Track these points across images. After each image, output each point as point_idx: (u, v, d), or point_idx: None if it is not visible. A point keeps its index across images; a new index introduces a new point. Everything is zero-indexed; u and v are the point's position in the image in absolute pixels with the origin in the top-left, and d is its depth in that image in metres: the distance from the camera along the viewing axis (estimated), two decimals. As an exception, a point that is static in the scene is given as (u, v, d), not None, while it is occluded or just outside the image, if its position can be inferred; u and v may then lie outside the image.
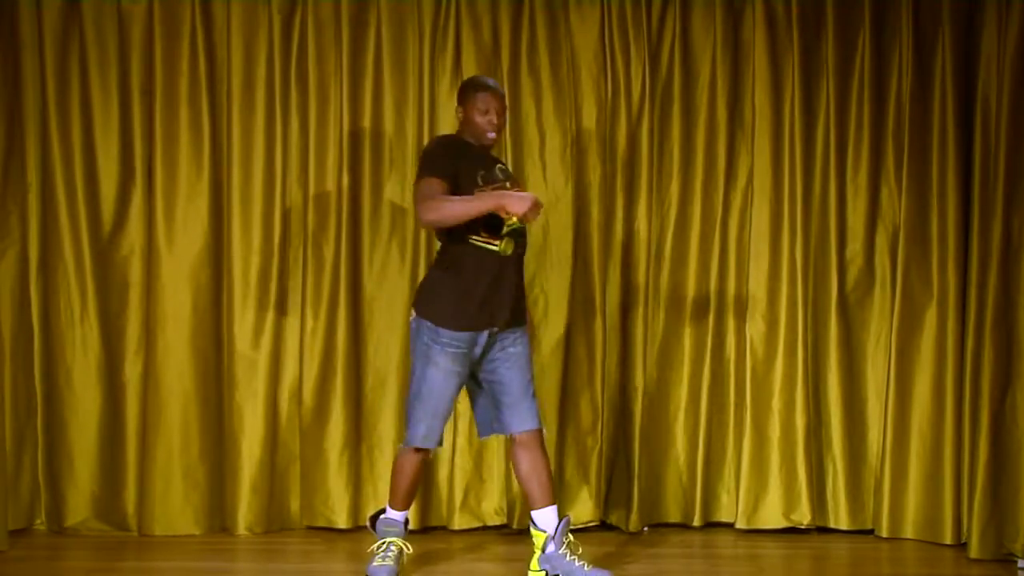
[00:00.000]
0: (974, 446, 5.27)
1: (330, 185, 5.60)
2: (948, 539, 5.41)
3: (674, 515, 5.73)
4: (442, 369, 4.66)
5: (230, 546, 5.42)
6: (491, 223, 4.60)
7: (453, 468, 5.59)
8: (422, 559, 5.17)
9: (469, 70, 5.59)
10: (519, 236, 4.69)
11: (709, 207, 5.71)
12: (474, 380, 4.84)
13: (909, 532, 5.52)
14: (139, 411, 5.52)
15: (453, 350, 4.66)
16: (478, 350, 4.71)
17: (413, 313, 4.77)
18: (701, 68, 5.70)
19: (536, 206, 4.51)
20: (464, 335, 4.66)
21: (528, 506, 4.84)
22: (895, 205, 5.63)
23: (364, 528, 5.61)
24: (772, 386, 5.63)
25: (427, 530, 5.58)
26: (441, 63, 5.63)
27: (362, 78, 5.62)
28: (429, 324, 4.68)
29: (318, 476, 5.60)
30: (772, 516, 5.62)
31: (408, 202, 5.57)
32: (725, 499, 5.73)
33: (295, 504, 5.63)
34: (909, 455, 5.53)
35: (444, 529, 5.61)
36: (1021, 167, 5.06)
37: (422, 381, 4.70)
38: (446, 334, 4.65)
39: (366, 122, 5.63)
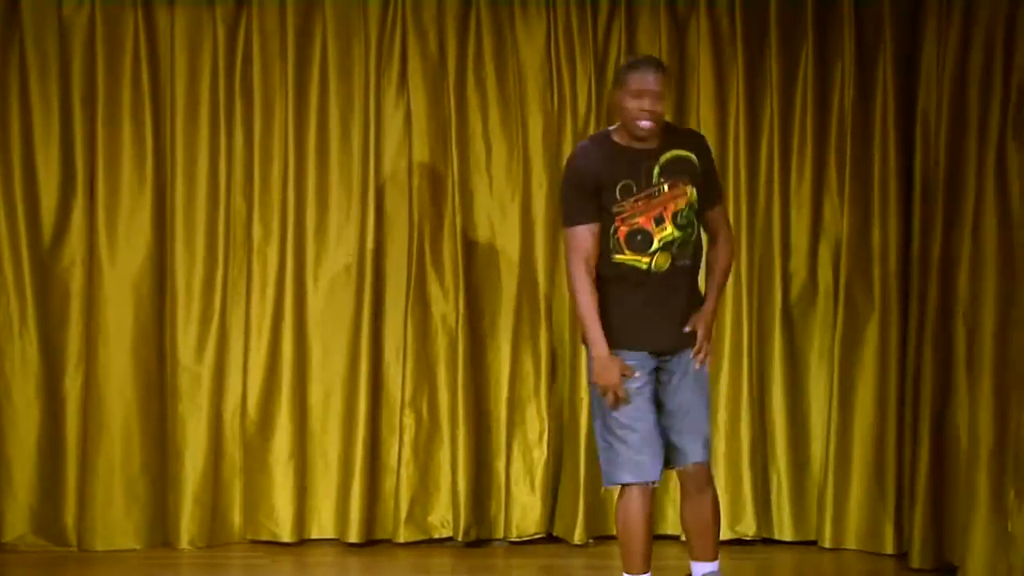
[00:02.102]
0: (915, 457, 5.31)
1: (275, 197, 5.58)
2: (890, 549, 5.45)
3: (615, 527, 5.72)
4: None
5: (172, 561, 5.38)
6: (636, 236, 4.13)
7: (399, 480, 5.56)
8: (367, 575, 5.15)
9: (415, 81, 5.59)
10: (677, 245, 4.14)
11: (655, 219, 5.72)
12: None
13: (852, 542, 5.54)
14: (79, 424, 5.46)
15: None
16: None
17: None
18: (647, 81, 5.72)
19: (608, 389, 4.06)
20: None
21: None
22: (838, 218, 5.66)
23: (307, 541, 5.59)
24: (717, 398, 5.63)
25: (372, 543, 5.55)
26: (387, 75, 5.62)
27: (307, 88, 5.60)
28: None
29: (262, 489, 5.56)
30: (717, 527, 5.64)
31: (352, 210, 5.58)
32: (671, 511, 5.70)
33: (238, 518, 5.58)
34: (852, 466, 5.55)
35: (389, 542, 5.58)
36: (960, 181, 5.11)
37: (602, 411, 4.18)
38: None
39: (311, 133, 5.61)
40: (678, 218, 4.14)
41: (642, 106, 4.06)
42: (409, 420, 5.58)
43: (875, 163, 5.56)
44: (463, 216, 5.59)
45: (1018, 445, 4.68)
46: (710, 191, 4.27)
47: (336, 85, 5.61)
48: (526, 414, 5.65)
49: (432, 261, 5.62)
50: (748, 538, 5.64)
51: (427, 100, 5.61)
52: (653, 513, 4.32)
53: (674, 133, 4.26)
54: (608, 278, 4.16)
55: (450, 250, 5.60)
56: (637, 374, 4.14)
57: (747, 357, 5.63)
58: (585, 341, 4.23)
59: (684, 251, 4.17)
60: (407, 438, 5.58)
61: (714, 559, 4.38)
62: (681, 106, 5.71)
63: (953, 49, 5.16)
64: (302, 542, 5.58)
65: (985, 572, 4.77)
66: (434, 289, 5.63)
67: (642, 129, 4.08)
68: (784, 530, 5.70)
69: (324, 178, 5.62)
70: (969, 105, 5.05)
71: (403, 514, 5.56)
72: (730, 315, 5.65)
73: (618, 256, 4.14)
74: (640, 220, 4.11)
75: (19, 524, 5.43)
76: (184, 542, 5.47)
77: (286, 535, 5.54)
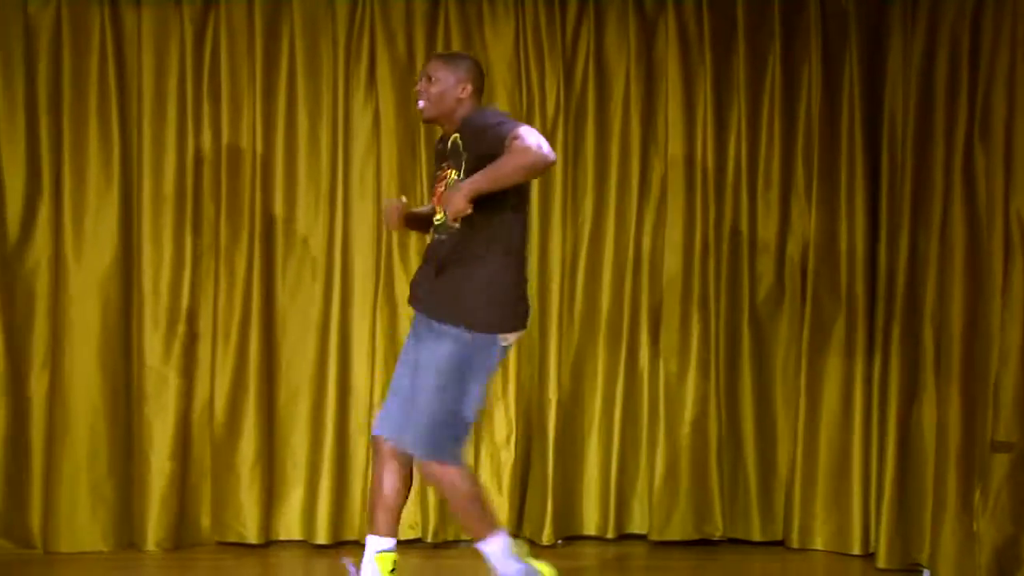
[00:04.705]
0: (882, 457, 5.35)
1: (243, 198, 5.55)
2: (856, 550, 5.48)
3: (588, 527, 5.74)
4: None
5: (139, 563, 5.34)
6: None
7: (367, 481, 5.55)
8: (334, 574, 5.13)
9: (384, 82, 5.58)
10: (439, 222, 4.36)
11: (623, 222, 5.74)
12: None
13: (818, 543, 5.57)
14: (45, 426, 5.42)
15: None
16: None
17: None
18: (615, 83, 5.74)
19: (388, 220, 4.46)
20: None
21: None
22: (805, 220, 5.69)
23: (275, 543, 5.57)
24: (685, 399, 5.67)
25: (340, 544, 5.54)
26: (355, 75, 5.61)
27: (275, 88, 5.58)
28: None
29: (229, 491, 5.53)
30: (685, 528, 5.65)
31: (320, 211, 5.59)
32: (638, 511, 5.75)
33: (205, 519, 5.56)
34: (819, 466, 5.59)
35: (357, 543, 5.57)
36: (927, 182, 5.15)
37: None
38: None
39: (279, 134, 5.59)
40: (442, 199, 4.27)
41: (416, 87, 4.39)
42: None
43: (842, 165, 5.59)
44: (432, 217, 5.59)
45: (984, 445, 4.72)
46: (492, 149, 4.10)
47: (304, 85, 5.60)
48: (494, 416, 5.64)
49: (400, 261, 5.61)
50: (715, 538, 5.66)
51: (395, 100, 5.60)
52: (383, 473, 4.37)
53: (463, 119, 4.32)
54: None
55: (418, 250, 5.59)
56: None
57: (715, 358, 5.66)
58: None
59: (442, 227, 4.31)
60: (375, 439, 5.56)
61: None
62: (649, 108, 5.73)
63: (919, 51, 5.20)
64: (269, 544, 5.56)
65: (953, 572, 4.81)
66: (402, 289, 5.61)
67: (420, 110, 4.37)
68: (751, 531, 5.72)
69: (292, 178, 5.60)
70: (936, 107, 5.09)
71: (371, 515, 5.54)
72: (698, 316, 5.67)
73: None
74: (434, 199, 4.42)
75: (-16, 526, 5.41)
76: (151, 544, 5.44)
77: (253, 537, 5.52)
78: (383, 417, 4.44)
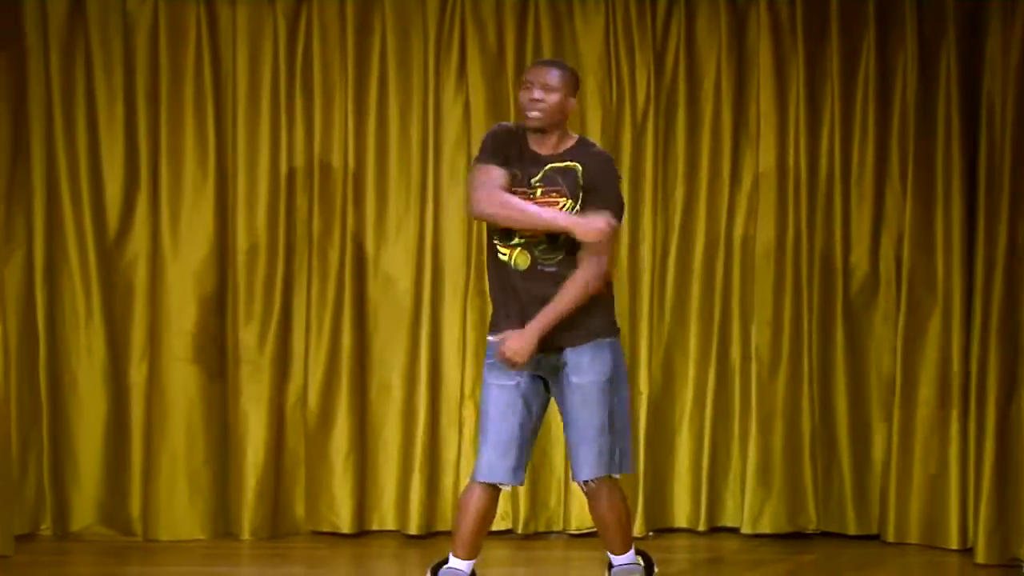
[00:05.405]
0: (980, 451, 5.27)
1: (335, 191, 5.61)
2: (954, 544, 5.41)
3: (680, 520, 5.73)
4: (488, 384, 4.27)
5: (235, 551, 5.43)
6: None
7: (459, 473, 5.58)
8: (427, 564, 5.17)
9: (474, 75, 5.60)
10: (539, 247, 4.20)
11: (714, 212, 5.71)
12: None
13: (914, 537, 5.51)
14: (144, 416, 5.53)
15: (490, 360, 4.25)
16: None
17: None
18: (706, 73, 5.70)
19: (508, 360, 4.13)
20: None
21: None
22: (900, 210, 5.62)
23: (368, 533, 5.62)
24: (777, 391, 5.62)
25: (432, 535, 5.58)
26: (446, 67, 5.63)
27: (367, 83, 5.62)
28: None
29: (323, 481, 5.59)
30: (777, 521, 5.61)
31: (411, 204, 5.62)
32: (730, 504, 5.72)
33: (300, 509, 5.63)
34: (914, 460, 5.51)
35: (449, 534, 5.58)
36: (1027, 172, 5.07)
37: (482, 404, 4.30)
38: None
39: (371, 127, 5.63)
40: None
41: (530, 96, 4.17)
42: (469, 413, 5.59)
43: (938, 153, 5.51)
44: (522, 208, 5.59)
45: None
46: (589, 206, 4.17)
47: (395, 78, 5.63)
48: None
49: (491, 253, 5.63)
50: (808, 531, 5.62)
51: (486, 93, 5.62)
52: (491, 509, 4.36)
53: (582, 146, 4.27)
54: (492, 261, 4.27)
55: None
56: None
57: (808, 350, 5.61)
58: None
59: (549, 257, 4.19)
60: (467, 431, 5.59)
61: (626, 551, 4.48)
62: (741, 98, 5.69)
63: (1018, 41, 5.12)
64: (362, 534, 5.61)
65: (1056, 567, 4.74)
66: (493, 281, 5.63)
67: (530, 120, 4.18)
68: (846, 524, 5.67)
69: (383, 171, 5.64)
70: (1036, 92, 5.01)
71: (463, 506, 5.57)
72: (790, 307, 5.62)
73: (494, 238, 4.24)
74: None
75: (86, 514, 5.52)
76: (247, 533, 5.51)
77: (347, 527, 5.58)
78: (506, 466, 4.26)
